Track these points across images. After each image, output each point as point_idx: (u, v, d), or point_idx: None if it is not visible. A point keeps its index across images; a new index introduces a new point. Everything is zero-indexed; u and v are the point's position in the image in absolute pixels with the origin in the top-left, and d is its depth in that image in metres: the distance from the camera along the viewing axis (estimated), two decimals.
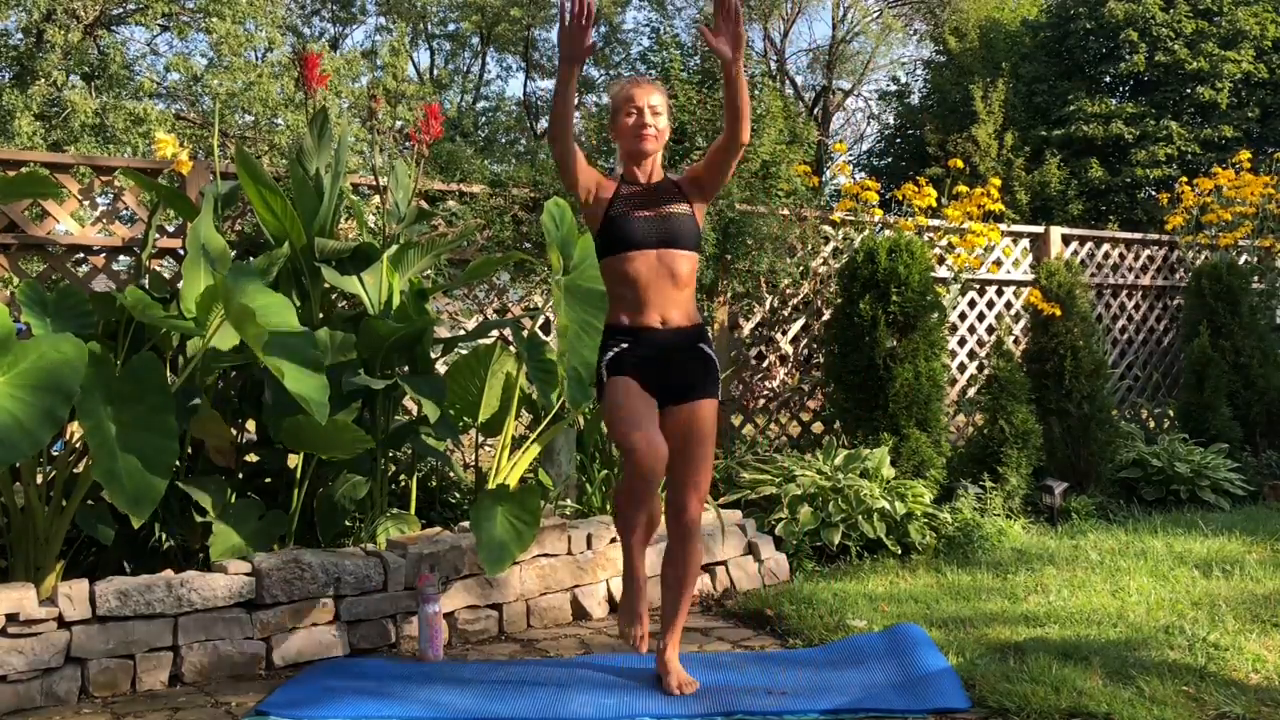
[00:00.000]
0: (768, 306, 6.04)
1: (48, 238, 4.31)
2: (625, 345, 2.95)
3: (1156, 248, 7.88)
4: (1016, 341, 6.63)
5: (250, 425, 4.18)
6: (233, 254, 4.00)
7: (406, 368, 4.15)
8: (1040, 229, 7.18)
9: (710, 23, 2.97)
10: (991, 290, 6.95)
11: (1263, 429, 6.73)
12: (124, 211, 4.67)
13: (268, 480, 4.15)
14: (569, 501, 4.41)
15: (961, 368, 6.78)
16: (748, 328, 6.01)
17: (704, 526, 4.27)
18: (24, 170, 4.31)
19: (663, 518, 3.10)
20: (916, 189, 6.24)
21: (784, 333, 6.13)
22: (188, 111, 14.64)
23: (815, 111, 24.80)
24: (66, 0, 12.83)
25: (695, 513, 3.01)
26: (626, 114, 2.99)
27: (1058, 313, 5.85)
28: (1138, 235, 7.89)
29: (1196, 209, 7.69)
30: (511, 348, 4.49)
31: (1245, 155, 8.07)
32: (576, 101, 3.12)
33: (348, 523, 4.06)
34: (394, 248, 4.09)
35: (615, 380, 2.93)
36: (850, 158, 21.69)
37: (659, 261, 2.93)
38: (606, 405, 2.95)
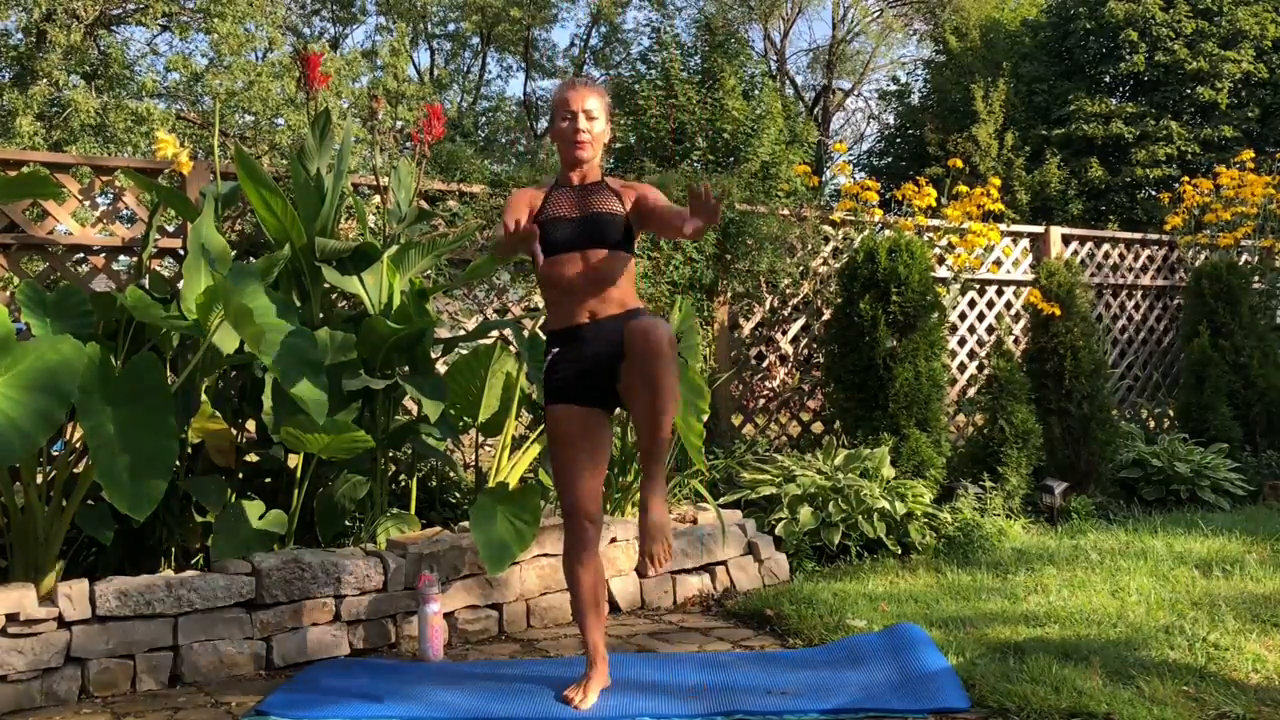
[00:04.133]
0: (768, 306, 6.04)
1: (48, 238, 4.31)
2: (558, 350, 2.94)
3: (1156, 248, 7.88)
4: (1016, 341, 6.63)
5: (250, 425, 4.18)
6: (233, 254, 3.99)
7: (407, 368, 4.15)
8: (1040, 229, 7.18)
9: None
10: (991, 290, 6.95)
11: (1263, 429, 6.73)
12: (124, 211, 4.67)
13: (268, 480, 4.15)
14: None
15: (961, 368, 6.78)
16: (748, 328, 6.01)
17: (703, 526, 4.29)
18: (24, 170, 4.31)
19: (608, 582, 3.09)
20: (916, 189, 6.24)
21: (784, 333, 6.13)
22: (188, 111, 14.64)
23: (815, 111, 24.81)
24: (67, 0, 12.82)
25: (667, 429, 2.76)
26: (561, 119, 2.98)
27: (1058, 313, 5.85)
28: (1138, 235, 7.89)
29: (1197, 209, 7.69)
30: (511, 348, 4.49)
31: (1248, 154, 8.07)
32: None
33: (348, 523, 4.07)
34: (395, 248, 4.09)
35: (554, 411, 2.92)
36: (850, 158, 21.69)
37: (585, 263, 2.90)
38: (549, 442, 2.97)
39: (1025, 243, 7.15)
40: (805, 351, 6.20)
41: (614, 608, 3.98)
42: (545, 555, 3.86)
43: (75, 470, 3.59)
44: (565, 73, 23.56)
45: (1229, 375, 6.65)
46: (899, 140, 19.76)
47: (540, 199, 2.99)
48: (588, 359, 2.90)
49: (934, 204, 6.25)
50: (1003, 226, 6.66)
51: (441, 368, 4.54)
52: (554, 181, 3.05)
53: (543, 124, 24.15)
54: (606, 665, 3.00)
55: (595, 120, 2.98)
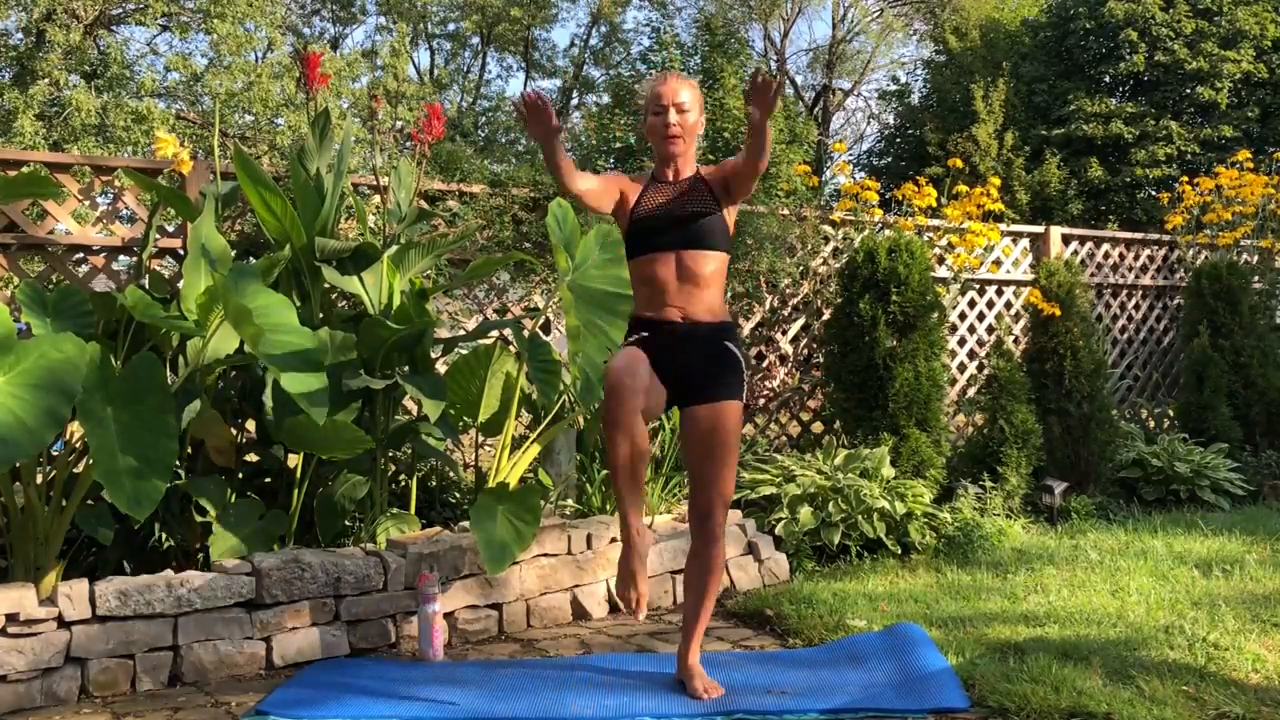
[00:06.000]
0: (768, 306, 6.04)
1: (48, 238, 4.31)
2: (647, 334, 2.92)
3: (1156, 248, 7.88)
4: (1016, 341, 6.63)
5: (250, 425, 4.18)
6: (233, 254, 4.00)
7: (407, 368, 4.15)
8: (1040, 229, 7.18)
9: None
10: (991, 290, 6.95)
11: (1263, 429, 6.73)
12: (124, 211, 4.66)
13: (268, 480, 4.15)
14: (569, 501, 4.42)
15: (961, 368, 6.78)
16: (748, 328, 6.01)
17: None
18: (24, 170, 4.31)
19: (651, 447, 3.03)
20: (916, 189, 6.24)
21: (784, 333, 6.13)
22: (188, 111, 14.63)
23: (815, 111, 24.80)
24: (67, 0, 12.82)
25: (719, 517, 2.97)
26: (654, 113, 2.96)
27: (1057, 313, 5.85)
28: (1138, 235, 7.89)
29: (1197, 209, 7.69)
30: (511, 348, 4.49)
31: (1246, 155, 8.07)
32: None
33: (348, 523, 4.06)
34: (395, 248, 4.09)
35: (627, 349, 2.90)
36: (850, 158, 21.68)
37: (680, 263, 2.91)
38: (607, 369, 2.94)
39: (1025, 243, 7.15)
40: (805, 351, 6.20)
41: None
42: (545, 555, 3.86)
43: (75, 470, 3.59)
44: (566, 73, 23.55)
45: (1229, 375, 6.65)
46: (899, 140, 19.76)
47: (635, 191, 2.97)
48: (677, 356, 2.90)
49: (934, 204, 6.25)
50: (1002, 226, 6.66)
51: (441, 368, 4.54)
52: (649, 175, 3.02)
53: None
54: (644, 540, 2.77)
55: (687, 113, 2.96)
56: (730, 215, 3.03)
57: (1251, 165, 7.83)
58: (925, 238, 6.37)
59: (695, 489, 2.99)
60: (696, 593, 3.01)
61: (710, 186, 2.98)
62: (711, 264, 2.94)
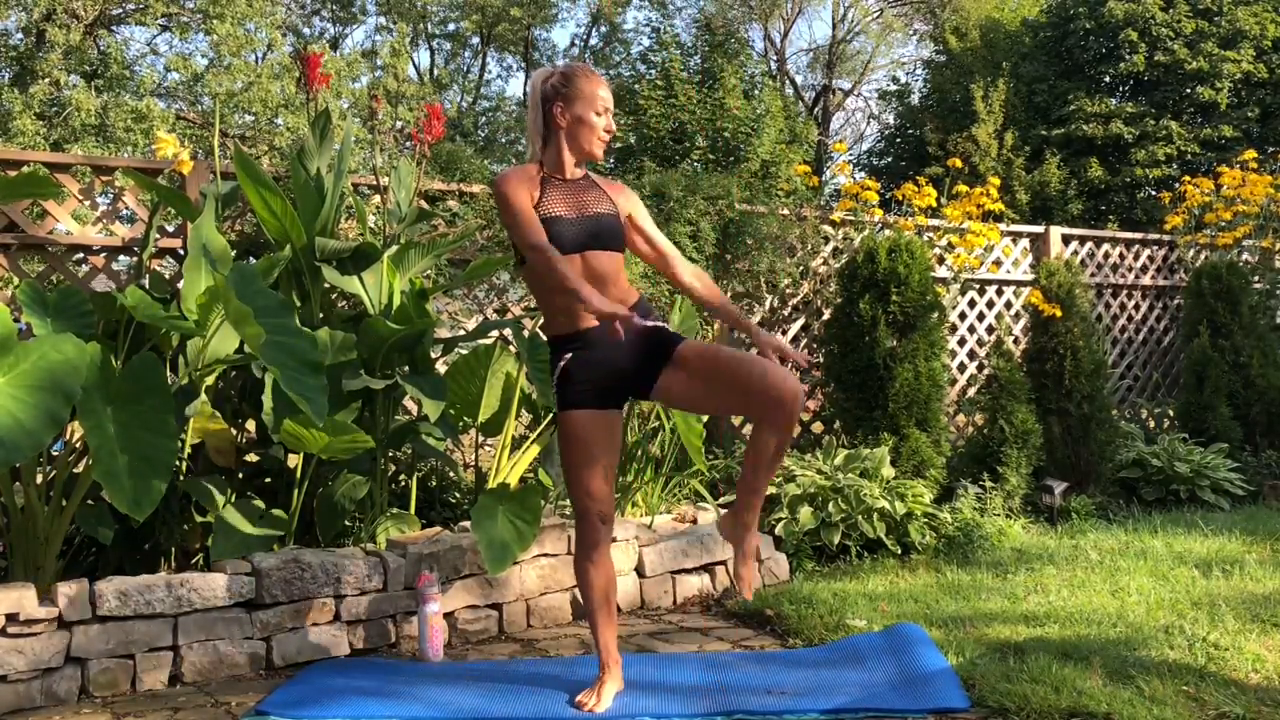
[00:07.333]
0: (768, 306, 6.04)
1: (48, 238, 4.31)
2: (570, 355, 2.81)
3: (1156, 248, 7.87)
4: (1016, 341, 6.63)
5: (250, 425, 4.18)
6: (233, 254, 3.99)
7: (407, 368, 4.15)
8: (1040, 229, 7.18)
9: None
10: (991, 290, 6.95)
11: (1263, 429, 6.73)
12: (124, 211, 4.66)
13: (268, 480, 4.15)
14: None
15: (961, 368, 6.78)
16: None
17: (704, 526, 4.29)
18: (24, 170, 4.31)
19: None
20: (916, 189, 6.24)
21: (784, 333, 6.13)
22: (188, 111, 14.64)
23: (815, 111, 24.81)
24: (67, 0, 12.83)
25: (791, 385, 2.63)
26: (595, 112, 2.84)
27: (1058, 313, 5.85)
28: (1138, 235, 7.89)
29: (1198, 209, 7.69)
30: (511, 348, 4.49)
31: (1250, 154, 8.07)
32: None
33: (348, 523, 4.06)
34: (395, 248, 4.09)
35: (573, 416, 2.79)
36: (850, 157, 21.69)
37: (585, 265, 2.77)
38: (562, 445, 2.84)
39: (1025, 243, 7.14)
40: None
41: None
42: (545, 555, 3.86)
43: (75, 470, 3.59)
44: None
45: (1229, 375, 6.64)
46: (899, 140, 19.77)
47: (536, 189, 2.82)
48: (610, 363, 2.80)
49: (934, 204, 6.25)
50: (1002, 226, 6.66)
51: (441, 368, 4.54)
52: (541, 171, 2.87)
53: None
54: (620, 667, 2.94)
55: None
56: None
57: (1256, 165, 7.83)
58: (925, 238, 6.37)
59: (755, 387, 2.66)
60: (768, 465, 2.89)
61: (606, 192, 2.90)
62: (613, 263, 2.83)
